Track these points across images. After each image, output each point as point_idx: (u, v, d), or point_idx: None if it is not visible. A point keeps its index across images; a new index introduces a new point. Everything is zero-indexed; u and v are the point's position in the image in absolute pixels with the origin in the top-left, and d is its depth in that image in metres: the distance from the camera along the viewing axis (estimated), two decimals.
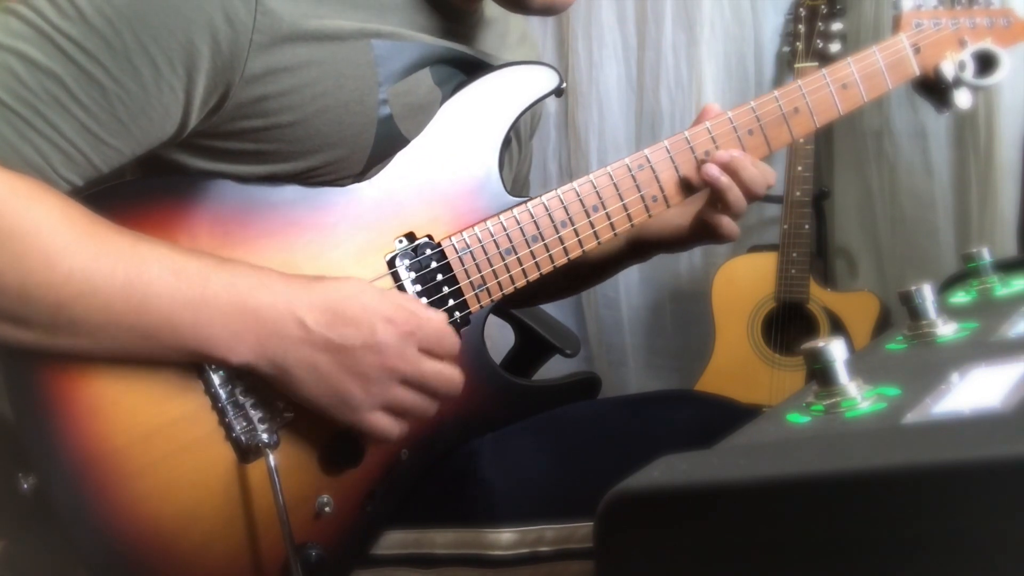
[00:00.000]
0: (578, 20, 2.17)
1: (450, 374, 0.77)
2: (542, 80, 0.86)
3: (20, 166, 0.66)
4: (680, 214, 0.97)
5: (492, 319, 1.09)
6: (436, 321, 0.76)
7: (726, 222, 0.92)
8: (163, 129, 0.72)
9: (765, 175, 0.91)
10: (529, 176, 1.15)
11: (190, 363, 0.72)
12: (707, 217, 0.93)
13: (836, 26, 1.81)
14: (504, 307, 1.24)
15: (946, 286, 0.79)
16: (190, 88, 0.70)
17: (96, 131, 0.68)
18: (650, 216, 0.88)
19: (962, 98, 0.98)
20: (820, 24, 1.82)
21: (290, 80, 0.74)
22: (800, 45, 1.83)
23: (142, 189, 0.75)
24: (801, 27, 1.85)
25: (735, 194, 0.89)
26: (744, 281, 1.94)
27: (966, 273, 0.75)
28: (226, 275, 0.70)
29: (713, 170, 0.88)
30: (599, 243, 0.87)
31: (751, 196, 0.90)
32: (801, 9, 1.86)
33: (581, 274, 1.06)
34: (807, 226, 1.84)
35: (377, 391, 0.73)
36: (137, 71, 0.68)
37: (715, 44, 2.03)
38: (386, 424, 0.75)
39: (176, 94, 0.70)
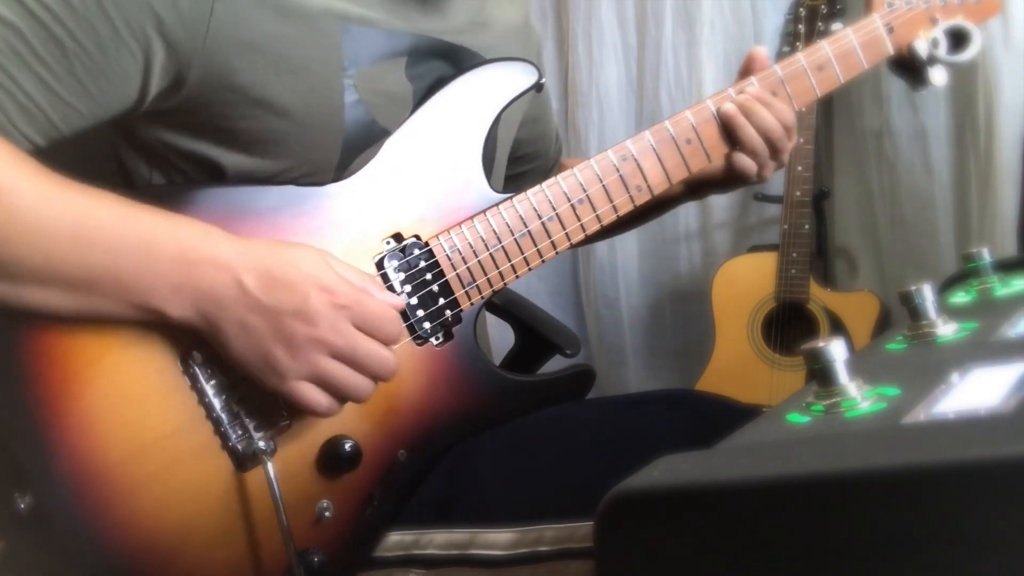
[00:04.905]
0: (578, 20, 2.17)
1: (383, 355, 0.74)
2: (520, 77, 0.86)
3: None
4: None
5: (492, 319, 1.09)
6: (379, 303, 0.74)
7: (741, 159, 0.93)
8: (124, 93, 0.72)
9: (780, 116, 0.92)
10: (556, 155, 1.18)
11: (176, 371, 0.71)
12: (729, 158, 0.94)
13: (836, 26, 1.78)
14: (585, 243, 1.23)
15: (946, 286, 0.79)
16: (148, 53, 0.71)
17: (54, 87, 0.69)
18: (635, 206, 0.89)
19: (937, 75, 0.99)
20: (820, 24, 1.82)
21: (254, 56, 0.74)
22: (800, 45, 1.83)
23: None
24: (801, 27, 1.85)
25: (749, 133, 0.91)
26: (744, 281, 1.94)
27: (966, 273, 0.75)
28: (173, 227, 0.70)
29: (730, 108, 0.90)
30: (586, 235, 0.87)
31: (768, 139, 0.92)
32: (801, 9, 1.86)
33: (642, 214, 1.05)
34: (807, 226, 1.84)
35: (304, 359, 0.71)
36: (96, 31, 0.69)
37: (715, 44, 2.03)
38: (313, 395, 0.72)
39: (135, 57, 0.71)
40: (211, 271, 0.69)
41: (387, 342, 0.74)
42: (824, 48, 0.95)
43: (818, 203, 1.90)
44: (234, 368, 0.72)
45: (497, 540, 0.79)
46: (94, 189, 0.69)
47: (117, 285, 0.68)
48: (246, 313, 0.70)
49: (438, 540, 0.82)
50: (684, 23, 2.05)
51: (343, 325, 0.72)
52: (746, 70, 0.95)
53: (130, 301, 0.69)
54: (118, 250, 0.67)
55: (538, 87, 0.87)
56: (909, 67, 1.00)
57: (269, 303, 0.70)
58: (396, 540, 0.83)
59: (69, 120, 0.71)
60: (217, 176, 0.79)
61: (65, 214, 0.66)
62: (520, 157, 1.11)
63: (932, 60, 0.98)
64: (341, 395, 0.73)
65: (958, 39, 0.99)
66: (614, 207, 0.87)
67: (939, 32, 0.98)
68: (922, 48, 0.97)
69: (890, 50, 0.98)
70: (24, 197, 0.66)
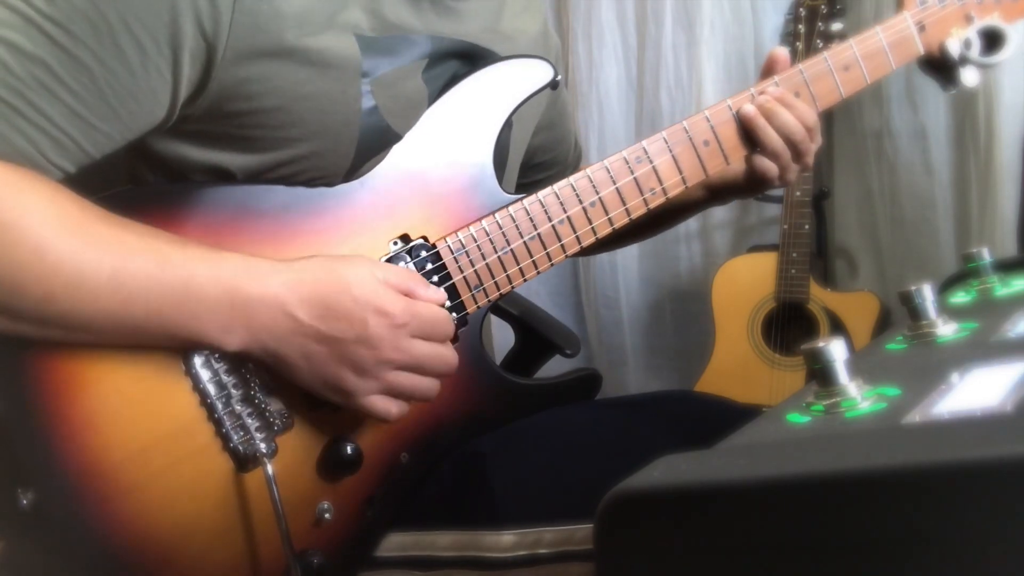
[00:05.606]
0: (578, 20, 2.17)
1: (445, 355, 0.77)
2: (536, 74, 0.85)
3: (11, 155, 0.66)
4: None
5: (492, 319, 1.09)
6: (430, 308, 0.75)
7: (761, 162, 0.92)
8: (152, 112, 0.71)
9: (802, 117, 0.90)
10: (575, 162, 1.17)
11: (179, 372, 0.72)
12: (749, 161, 0.93)
13: (836, 26, 1.81)
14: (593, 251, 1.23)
15: (946, 286, 0.79)
16: (176, 69, 0.70)
17: (85, 116, 0.68)
18: (649, 208, 0.87)
19: (969, 76, 0.96)
20: (820, 24, 1.82)
21: (271, 64, 0.73)
22: (800, 45, 1.83)
23: (134, 198, 0.75)
24: (801, 27, 1.84)
25: (769, 135, 0.90)
26: (744, 281, 1.94)
27: (966, 273, 0.75)
28: (212, 266, 0.70)
29: (749, 110, 0.89)
30: (597, 238, 0.85)
31: (790, 141, 0.90)
32: (801, 9, 1.85)
33: (662, 219, 1.05)
34: (807, 226, 1.84)
35: (372, 378, 0.73)
36: (123, 52, 0.67)
37: (715, 44, 2.03)
38: (385, 406, 0.75)
39: (163, 75, 0.70)
40: (261, 309, 0.70)
41: (444, 341, 0.77)
42: (852, 47, 0.92)
43: (818, 203, 1.90)
44: (241, 371, 0.73)
45: (497, 542, 0.79)
46: (130, 227, 0.69)
47: (163, 329, 0.69)
48: (307, 343, 0.71)
49: (438, 541, 0.82)
50: (684, 23, 2.05)
51: (404, 342, 0.73)
52: (768, 71, 0.93)
53: (179, 340, 0.70)
54: (158, 298, 0.68)
55: (554, 84, 0.85)
56: (939, 67, 0.97)
57: (329, 333, 0.71)
58: (397, 541, 0.83)
59: (100, 146, 0.70)
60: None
61: (103, 264, 0.67)
62: (537, 164, 1.10)
63: (964, 61, 0.95)
64: (410, 399, 0.76)
65: (992, 39, 0.96)
66: (627, 210, 0.86)
67: (972, 33, 0.95)
68: (954, 48, 0.94)
69: (920, 50, 0.95)
70: (63, 250, 0.66)
